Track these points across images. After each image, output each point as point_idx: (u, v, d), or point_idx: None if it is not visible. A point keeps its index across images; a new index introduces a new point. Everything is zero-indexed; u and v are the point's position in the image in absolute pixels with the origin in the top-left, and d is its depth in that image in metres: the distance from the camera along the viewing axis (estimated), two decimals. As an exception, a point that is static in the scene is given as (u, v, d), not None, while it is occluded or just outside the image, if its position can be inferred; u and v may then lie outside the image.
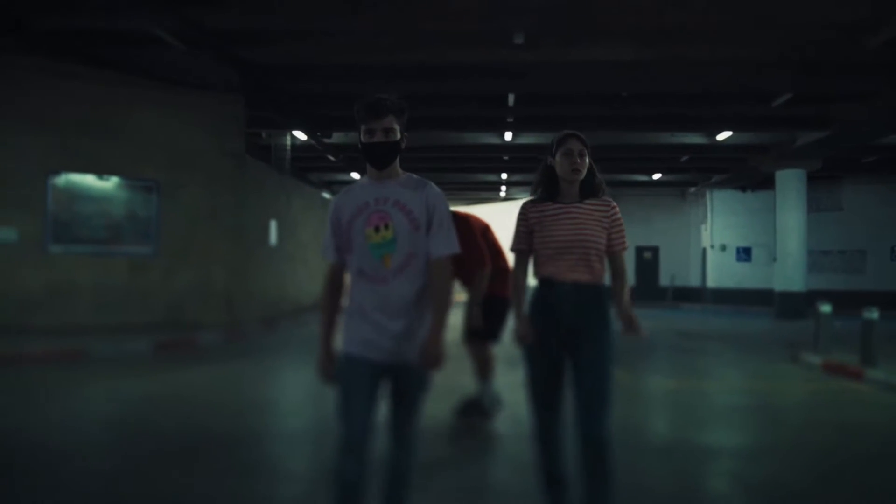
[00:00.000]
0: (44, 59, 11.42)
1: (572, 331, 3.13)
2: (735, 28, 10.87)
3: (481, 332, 5.56)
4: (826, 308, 9.89)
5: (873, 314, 8.40)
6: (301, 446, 5.39)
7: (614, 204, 3.25)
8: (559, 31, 10.94)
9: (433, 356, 2.78)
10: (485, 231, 5.63)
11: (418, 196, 2.81)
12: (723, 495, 4.31)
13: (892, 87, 13.16)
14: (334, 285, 2.91)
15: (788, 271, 20.18)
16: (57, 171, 11.80)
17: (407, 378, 2.82)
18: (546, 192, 3.28)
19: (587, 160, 3.22)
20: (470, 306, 5.43)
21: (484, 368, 5.67)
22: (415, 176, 2.90)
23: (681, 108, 15.71)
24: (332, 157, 21.11)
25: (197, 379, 8.20)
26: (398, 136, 2.80)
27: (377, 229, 2.77)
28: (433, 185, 2.88)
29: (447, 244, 2.82)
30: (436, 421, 5.50)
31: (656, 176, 25.39)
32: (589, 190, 3.24)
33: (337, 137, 19.00)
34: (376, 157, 2.80)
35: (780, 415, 6.82)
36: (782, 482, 4.51)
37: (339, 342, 2.85)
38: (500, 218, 27.73)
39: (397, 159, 2.85)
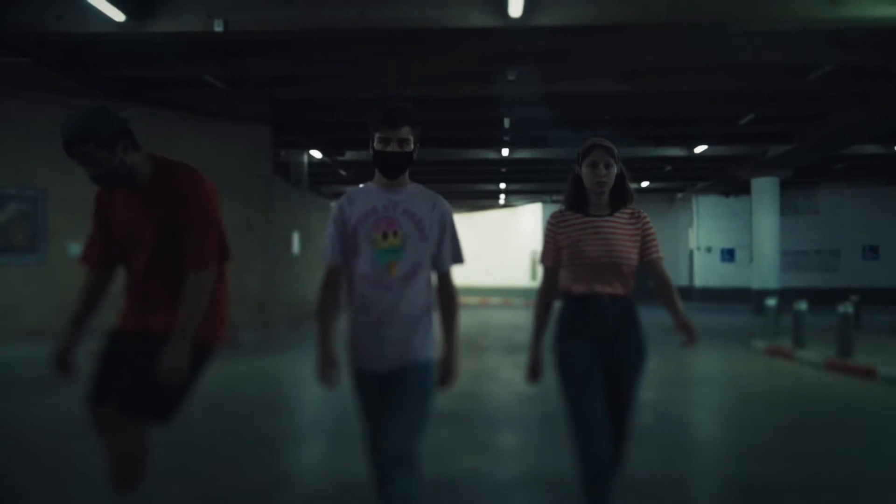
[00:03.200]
0: (104, 99, 13.31)
1: (607, 342, 3.05)
2: (698, 67, 12.74)
3: (150, 399, 2.83)
4: (771, 302, 11.74)
5: (802, 306, 10.26)
6: (329, 413, 7.23)
7: (644, 214, 3.14)
8: (546, 71, 12.84)
9: (451, 375, 2.83)
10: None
11: (428, 207, 2.81)
12: (647, 425, 6.12)
13: (835, 111, 15.10)
14: (332, 289, 2.87)
15: (764, 271, 22.04)
16: (114, 194, 13.66)
17: (410, 384, 2.76)
18: (575, 202, 3.14)
19: (615, 169, 3.07)
20: (172, 338, 2.76)
21: (126, 469, 2.89)
22: (422, 186, 2.90)
23: (659, 127, 17.61)
24: (343, 172, 23.13)
25: (242, 369, 10.04)
26: (412, 146, 2.78)
27: (385, 236, 2.76)
28: (442, 198, 2.89)
29: (456, 256, 2.88)
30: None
31: (644, 184, 27.25)
32: (619, 198, 3.12)
33: (349, 155, 20.95)
34: (389, 167, 2.78)
35: (715, 383, 8.67)
36: (696, 422, 6.38)
37: (348, 351, 2.85)
38: (501, 222, 30.09)
39: (408, 169, 2.84)
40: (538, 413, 6.49)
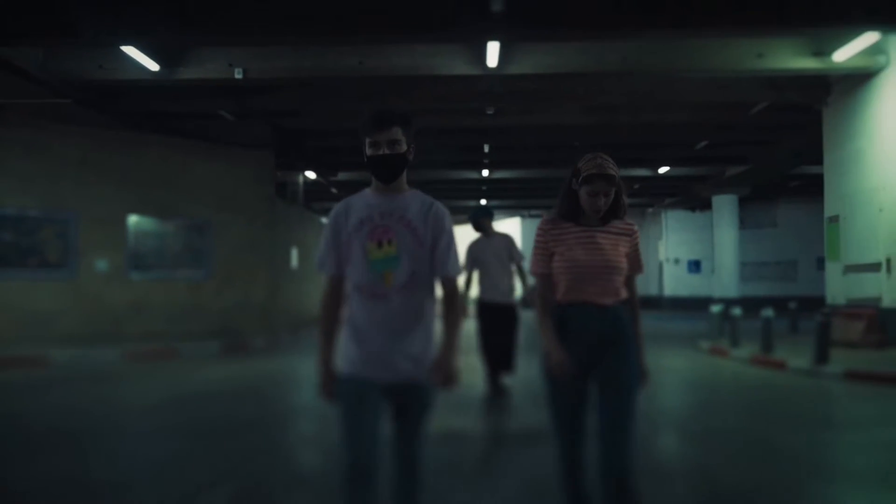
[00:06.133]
0: (126, 129, 14.91)
1: (595, 351, 3.00)
2: (653, 104, 14.60)
3: None
4: (716, 308, 13.53)
5: (736, 311, 12.07)
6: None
7: (636, 228, 3.10)
8: (519, 106, 14.64)
9: (447, 374, 2.72)
10: None
11: (423, 213, 2.72)
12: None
13: (779, 138, 17.06)
14: (334, 299, 2.78)
15: (724, 280, 23.96)
16: (134, 215, 15.25)
17: (409, 397, 2.71)
18: (568, 213, 3.05)
19: (613, 192, 2.97)
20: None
21: None
22: (420, 192, 2.80)
23: (624, 151, 19.46)
24: (335, 191, 24.86)
25: (253, 368, 11.61)
26: (404, 147, 2.68)
27: (380, 244, 2.67)
28: (440, 203, 2.79)
29: (455, 264, 2.76)
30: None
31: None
32: (612, 211, 3.03)
33: (341, 176, 22.68)
34: (382, 171, 2.69)
35: (658, 375, 10.36)
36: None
37: (337, 360, 2.76)
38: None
39: (404, 173, 2.74)
40: (514, 391, 8.14)
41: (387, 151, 2.66)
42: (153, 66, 11.27)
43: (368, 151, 2.68)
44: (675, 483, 4.78)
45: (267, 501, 4.35)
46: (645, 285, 31.86)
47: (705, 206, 28.60)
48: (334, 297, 2.78)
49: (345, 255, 2.72)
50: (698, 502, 4.43)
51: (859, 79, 12.24)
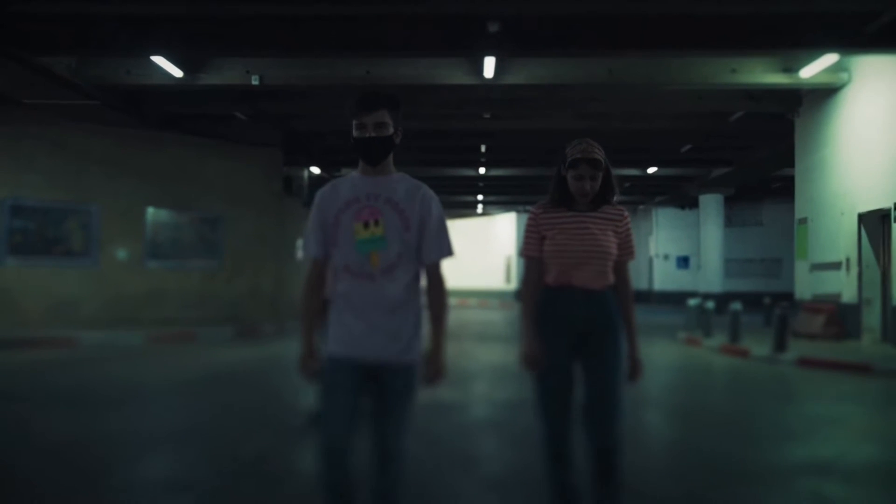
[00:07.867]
0: (146, 128, 15.93)
1: (583, 334, 3.06)
2: (640, 112, 15.66)
3: None
4: (693, 302, 14.62)
5: (710, 305, 13.16)
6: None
7: (626, 213, 3.16)
8: (514, 113, 15.69)
9: (437, 370, 2.77)
10: None
11: (411, 197, 2.72)
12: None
13: (758, 143, 18.14)
14: (315, 281, 2.78)
15: (709, 276, 25.07)
16: (152, 208, 16.29)
17: (392, 379, 2.71)
18: (559, 199, 3.13)
19: (600, 176, 3.05)
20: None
21: None
22: (408, 176, 2.79)
23: (614, 153, 20.50)
24: (337, 185, 26.01)
25: (266, 351, 12.66)
26: (391, 130, 2.69)
27: (366, 225, 2.68)
28: (427, 187, 2.79)
29: (442, 248, 2.76)
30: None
31: (608, 197, 30.26)
32: (603, 194, 3.11)
33: (345, 171, 23.75)
34: (367, 153, 2.69)
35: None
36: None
37: (327, 341, 2.78)
38: (478, 229, 32.99)
39: (390, 155, 2.73)
40: (501, 374, 9.22)
41: (373, 134, 2.67)
42: (177, 73, 12.27)
43: (355, 133, 2.69)
44: (644, 445, 5.86)
45: (300, 447, 5.42)
46: (635, 279, 32.60)
47: (694, 204, 29.61)
48: (316, 279, 2.79)
49: (331, 236, 2.73)
50: (657, 456, 5.52)
51: (826, 93, 13.29)
